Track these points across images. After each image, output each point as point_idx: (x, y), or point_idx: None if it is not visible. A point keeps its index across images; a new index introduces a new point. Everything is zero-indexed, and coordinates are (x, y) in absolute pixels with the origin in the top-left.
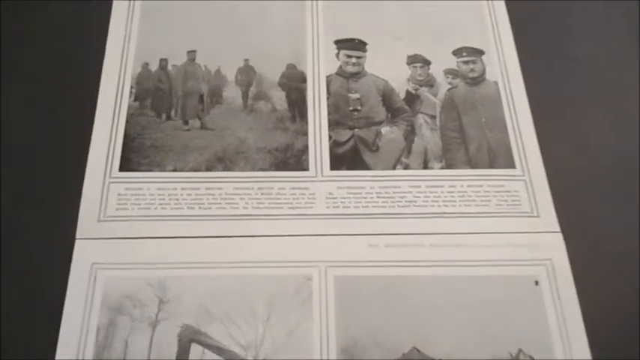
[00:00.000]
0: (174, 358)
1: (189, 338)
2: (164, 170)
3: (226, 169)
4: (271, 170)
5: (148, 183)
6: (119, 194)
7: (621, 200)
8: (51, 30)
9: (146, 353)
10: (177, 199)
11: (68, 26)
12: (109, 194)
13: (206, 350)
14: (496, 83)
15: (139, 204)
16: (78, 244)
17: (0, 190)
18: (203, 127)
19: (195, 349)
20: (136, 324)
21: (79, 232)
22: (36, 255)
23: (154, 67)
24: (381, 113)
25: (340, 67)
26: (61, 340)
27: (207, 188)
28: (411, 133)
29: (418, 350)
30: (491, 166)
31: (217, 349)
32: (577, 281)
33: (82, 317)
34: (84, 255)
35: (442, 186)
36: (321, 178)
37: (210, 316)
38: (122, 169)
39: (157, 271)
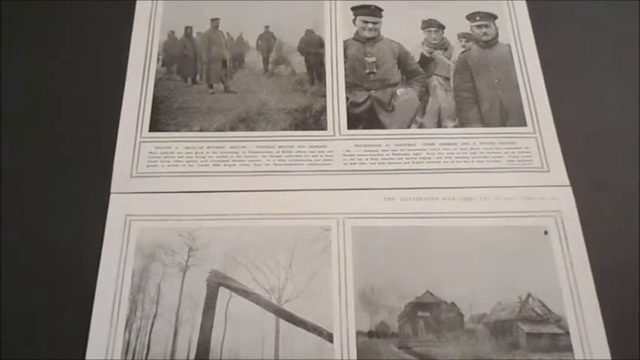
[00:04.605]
0: (203, 300)
1: (217, 282)
2: (191, 130)
3: (249, 129)
4: (291, 130)
5: (176, 142)
6: (149, 152)
7: (629, 155)
8: (84, 4)
9: (177, 295)
10: (204, 157)
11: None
12: (140, 152)
13: (233, 293)
14: (509, 46)
15: (168, 161)
16: (113, 197)
17: (44, 149)
18: (227, 90)
19: (223, 293)
20: (168, 269)
21: (114, 187)
22: (75, 208)
23: (179, 34)
24: (397, 75)
25: (357, 32)
26: (99, 283)
27: (231, 147)
28: (425, 94)
29: (431, 294)
30: (503, 124)
31: (244, 292)
32: (585, 231)
33: (118, 263)
34: (118, 208)
35: (455, 143)
36: (338, 137)
37: (236, 262)
38: (152, 129)
39: (186, 222)
